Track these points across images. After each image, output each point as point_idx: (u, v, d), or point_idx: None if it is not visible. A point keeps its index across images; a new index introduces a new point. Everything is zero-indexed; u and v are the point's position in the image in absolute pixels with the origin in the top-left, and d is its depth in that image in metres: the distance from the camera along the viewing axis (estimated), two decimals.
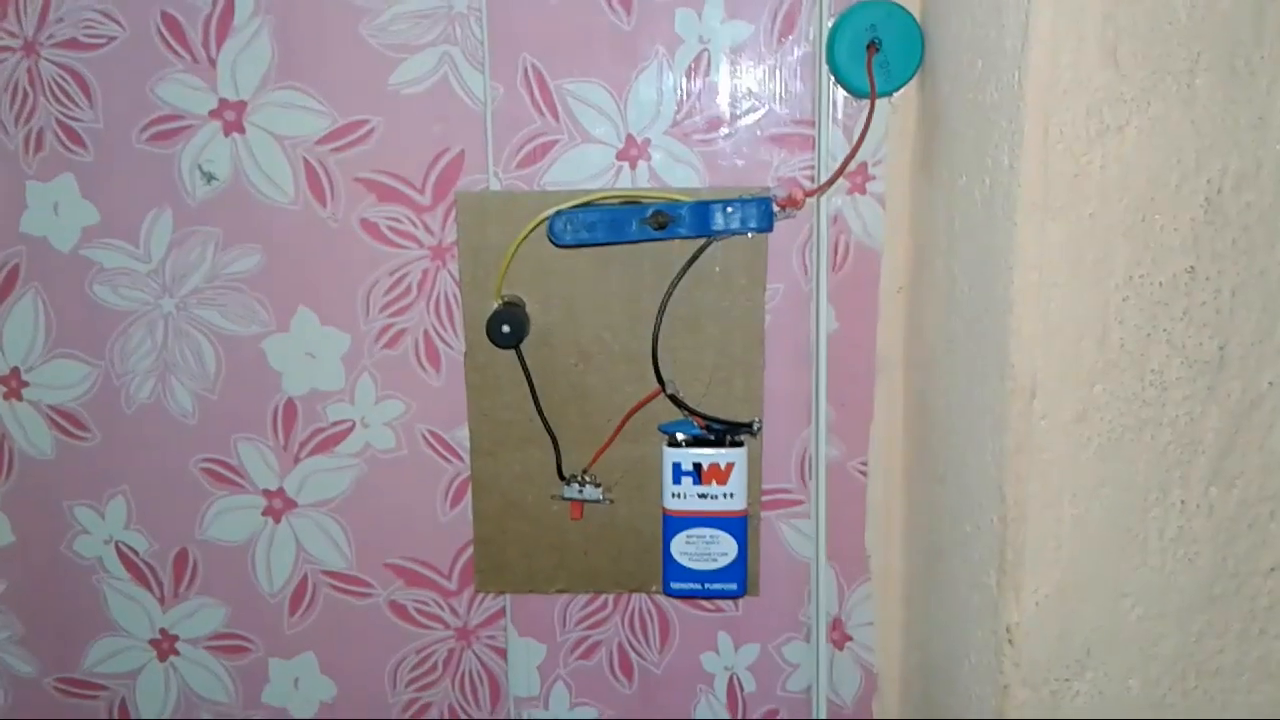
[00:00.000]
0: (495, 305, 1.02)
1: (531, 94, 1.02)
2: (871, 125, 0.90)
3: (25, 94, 1.04)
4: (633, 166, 1.03)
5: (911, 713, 0.81)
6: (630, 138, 1.02)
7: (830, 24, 0.92)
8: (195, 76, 1.03)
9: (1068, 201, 0.58)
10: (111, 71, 1.04)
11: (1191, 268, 0.59)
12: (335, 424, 1.09)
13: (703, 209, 0.97)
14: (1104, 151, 0.58)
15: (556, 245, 0.98)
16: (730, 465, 1.00)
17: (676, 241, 1.00)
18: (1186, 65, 0.57)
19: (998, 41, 0.62)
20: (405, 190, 1.05)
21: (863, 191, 0.99)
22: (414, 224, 1.05)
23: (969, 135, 0.68)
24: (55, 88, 1.04)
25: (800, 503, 1.08)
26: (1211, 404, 0.60)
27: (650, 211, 0.97)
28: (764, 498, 1.08)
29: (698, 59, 1.01)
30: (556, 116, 1.02)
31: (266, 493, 1.11)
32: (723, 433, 1.01)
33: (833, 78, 0.92)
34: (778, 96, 1.01)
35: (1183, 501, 0.61)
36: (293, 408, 1.09)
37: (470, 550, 1.10)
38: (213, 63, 1.03)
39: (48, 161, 1.06)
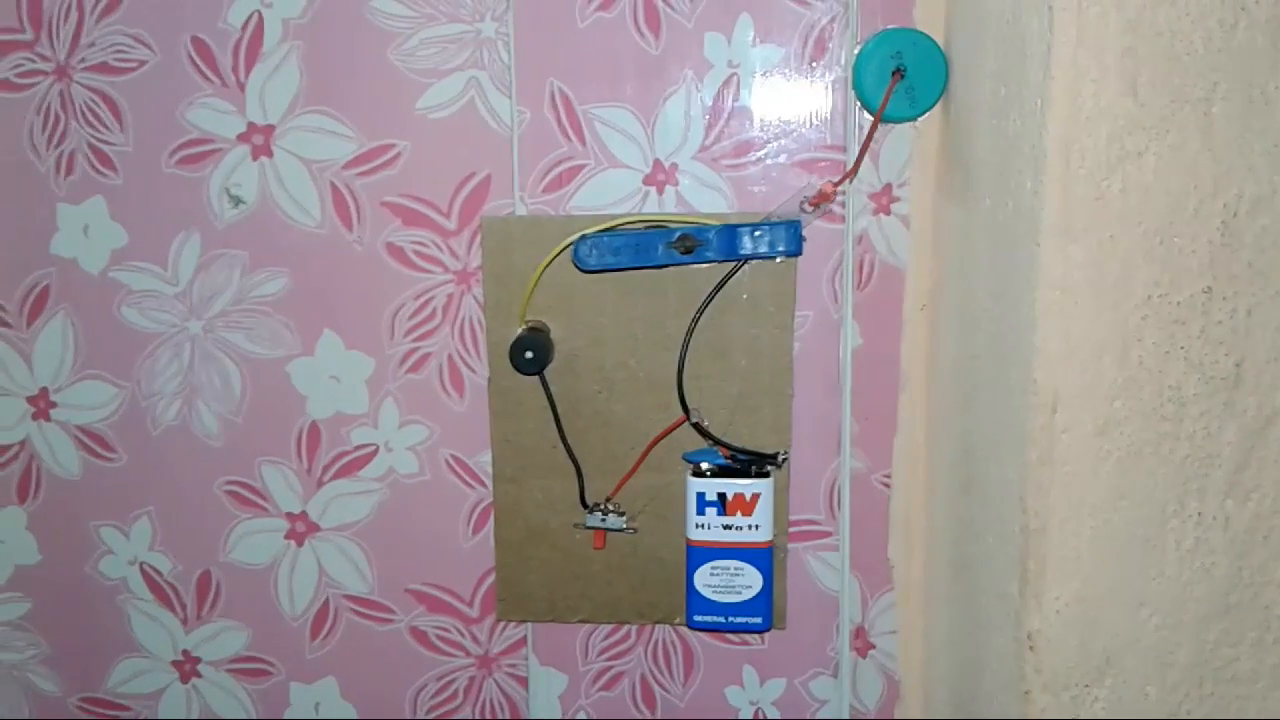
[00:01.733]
0: (519, 331, 1.03)
1: (559, 118, 1.03)
2: (893, 149, 0.93)
3: (57, 117, 1.07)
4: (660, 191, 1.03)
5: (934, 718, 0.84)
6: (657, 162, 1.03)
7: (857, 51, 0.94)
8: (224, 100, 1.05)
9: (1089, 224, 0.60)
10: (142, 95, 1.06)
11: (1208, 288, 0.61)
12: (359, 448, 1.10)
13: (731, 232, 0.97)
14: (1124, 177, 0.60)
15: (581, 270, 0.98)
16: (756, 496, 1.00)
17: (703, 268, 1.00)
18: (1203, 94, 0.59)
19: (1021, 71, 0.64)
20: (431, 214, 1.05)
21: (888, 213, 0.99)
22: (439, 248, 1.06)
23: (992, 160, 0.70)
24: (87, 111, 1.06)
25: (829, 534, 1.07)
26: (1228, 419, 0.63)
27: (677, 235, 0.97)
28: (791, 529, 1.07)
29: (727, 83, 1.01)
30: (583, 141, 1.03)
31: (289, 516, 1.12)
32: (748, 463, 1.00)
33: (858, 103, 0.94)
34: (808, 121, 1.01)
35: (1200, 514, 0.64)
36: (316, 431, 1.10)
37: (492, 577, 1.11)
38: (241, 87, 1.05)
39: (78, 184, 1.08)
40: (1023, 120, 0.64)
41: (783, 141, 1.02)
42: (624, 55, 1.01)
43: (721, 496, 1.01)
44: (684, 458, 1.04)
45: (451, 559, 1.12)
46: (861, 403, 0.95)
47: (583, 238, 0.96)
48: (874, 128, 0.87)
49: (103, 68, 1.06)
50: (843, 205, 1.03)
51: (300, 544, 1.13)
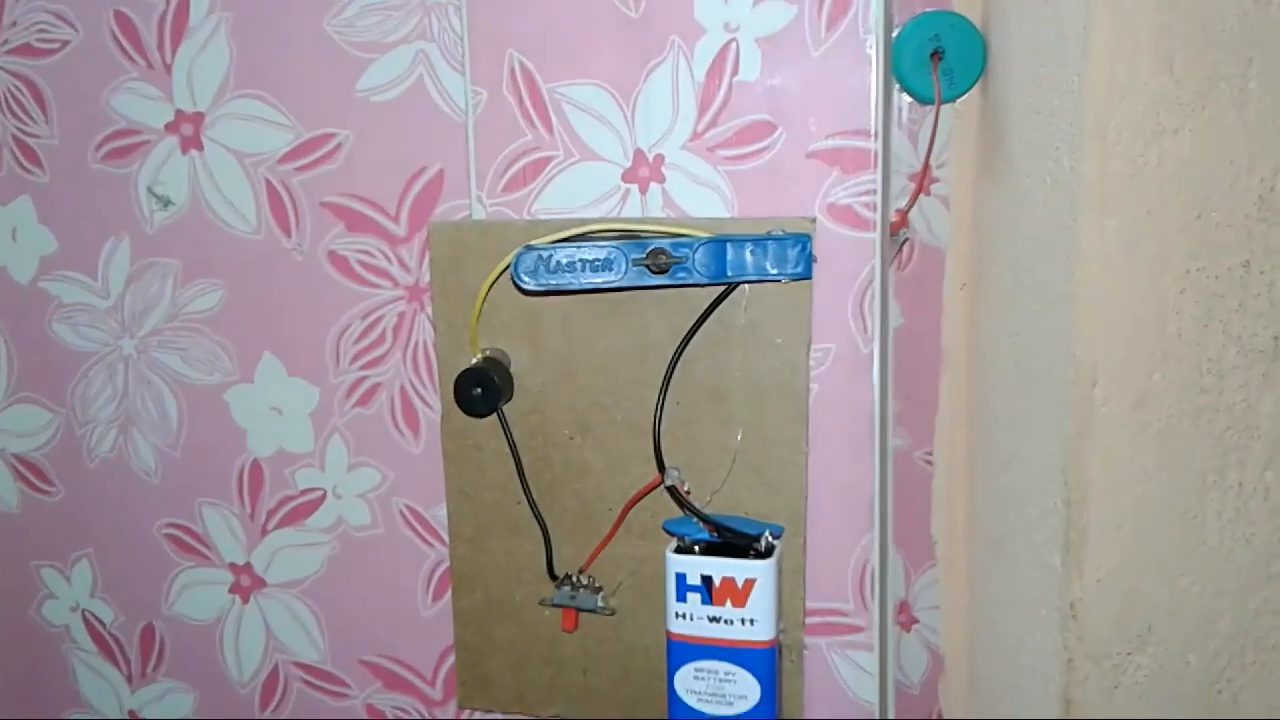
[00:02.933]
0: (473, 360, 0.84)
1: (520, 100, 0.83)
2: (921, 129, 0.81)
3: None
4: (643, 190, 0.83)
5: (977, 692, 0.84)
6: (639, 154, 0.82)
7: (895, 33, 0.80)
8: (150, 85, 0.91)
9: (1126, 200, 0.62)
10: (65, 81, 0.93)
11: (1246, 262, 0.62)
12: (305, 492, 0.94)
13: (717, 248, 0.76)
14: (1160, 152, 0.61)
15: (522, 292, 0.79)
16: (750, 583, 0.79)
17: (698, 287, 0.79)
18: (1239, 70, 0.61)
19: (1058, 51, 0.65)
20: (377, 218, 0.88)
21: (927, 193, 0.85)
22: (388, 258, 0.89)
23: (1031, 138, 0.70)
24: (11, 100, 0.94)
25: (859, 629, 0.85)
26: (1266, 391, 0.64)
27: (647, 250, 0.76)
28: (809, 619, 0.85)
29: (723, 53, 0.80)
30: (550, 128, 0.83)
31: (234, 567, 0.97)
32: (735, 541, 0.79)
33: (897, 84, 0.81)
34: (827, 100, 0.79)
35: (1240, 484, 0.65)
36: (259, 471, 0.95)
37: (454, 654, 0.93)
38: (168, 68, 0.90)
39: (6, 183, 0.96)
40: (1060, 98, 0.65)
41: (795, 126, 0.80)
42: (597, 19, 0.81)
43: (706, 580, 0.80)
44: (665, 527, 0.83)
45: (409, 629, 0.95)
46: (904, 382, 0.86)
47: (526, 249, 0.77)
48: (937, 116, 0.80)
49: (25, 50, 0.93)
50: (873, 208, 0.80)
51: (246, 600, 0.98)
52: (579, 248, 0.77)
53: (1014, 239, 0.72)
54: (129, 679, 1.03)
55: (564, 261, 0.77)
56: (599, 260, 0.77)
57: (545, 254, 0.77)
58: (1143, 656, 0.66)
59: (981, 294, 0.80)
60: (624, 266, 0.77)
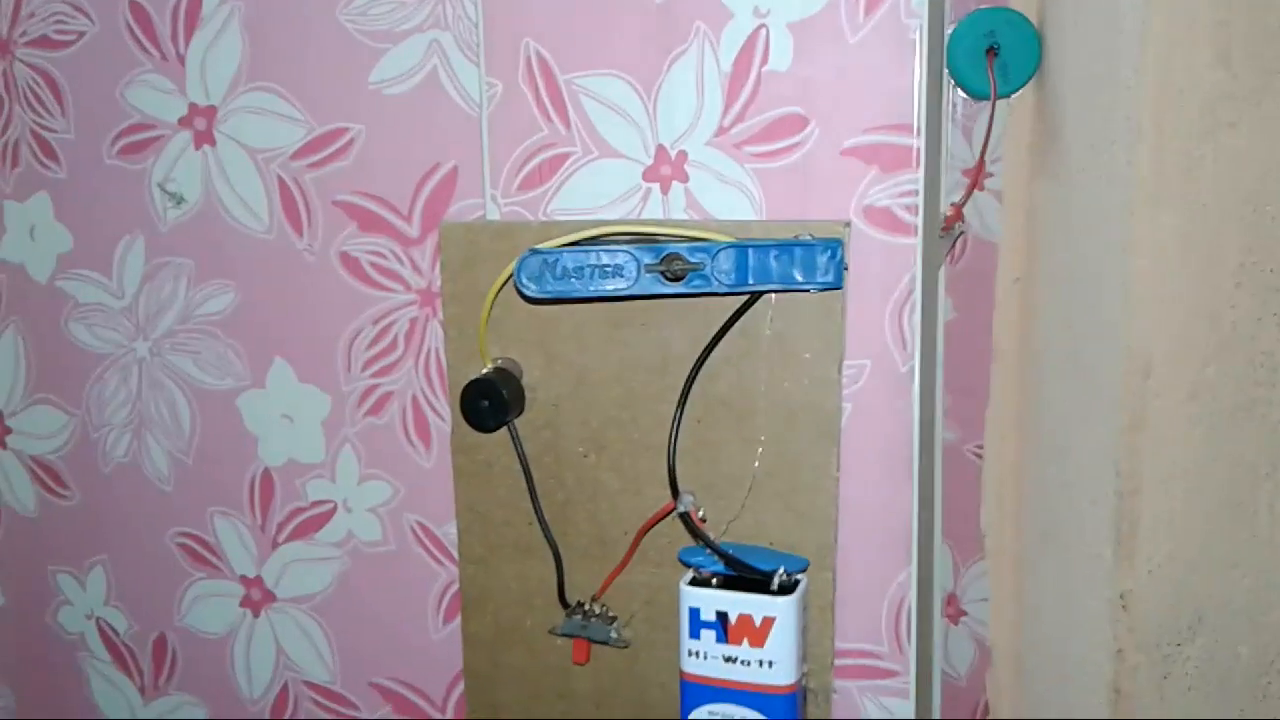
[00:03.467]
0: (484, 370, 0.79)
1: (536, 92, 0.78)
2: (986, 125, 0.79)
3: (1, 100, 0.93)
4: (664, 189, 0.77)
5: (1024, 683, 0.84)
6: (661, 150, 0.76)
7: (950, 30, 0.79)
8: (164, 77, 0.88)
9: (1182, 193, 0.62)
10: (81, 73, 0.91)
11: None
12: (315, 504, 0.90)
13: (739, 254, 0.70)
14: (1216, 146, 0.61)
15: (525, 299, 0.73)
16: (769, 621, 0.72)
17: (722, 295, 0.73)
18: None
19: (1115, 47, 0.65)
20: (389, 217, 0.84)
21: (981, 188, 0.84)
22: (400, 260, 0.84)
23: (1086, 132, 0.69)
24: (29, 93, 0.92)
25: (894, 673, 0.77)
26: None
27: (662, 255, 0.70)
28: (839, 661, 0.78)
29: (752, 40, 0.73)
30: (567, 122, 0.78)
31: (244, 580, 0.94)
32: (747, 575, 0.72)
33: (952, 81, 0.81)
34: (865, 91, 0.72)
35: None
36: (270, 481, 0.91)
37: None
38: (181, 60, 0.87)
39: (24, 178, 0.94)
40: (1117, 93, 0.64)
41: (829, 120, 0.73)
42: (616, 4, 0.76)
43: (722, 617, 0.73)
44: (680, 557, 0.77)
45: (420, 651, 0.90)
46: (954, 375, 0.86)
47: (531, 253, 0.71)
48: (993, 112, 0.78)
49: (44, 42, 0.91)
50: (914, 211, 0.73)
51: (257, 614, 0.94)
52: (587, 252, 0.71)
53: (1068, 233, 0.73)
54: (142, 690, 1.00)
55: (571, 267, 0.71)
56: (609, 266, 0.71)
57: (551, 258, 0.71)
58: (1193, 648, 0.66)
59: (1034, 288, 0.80)
60: (636, 273, 0.71)
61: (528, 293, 0.71)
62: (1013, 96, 0.79)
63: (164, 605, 0.97)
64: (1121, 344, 0.64)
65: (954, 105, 0.81)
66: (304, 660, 0.94)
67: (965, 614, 0.88)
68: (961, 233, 0.85)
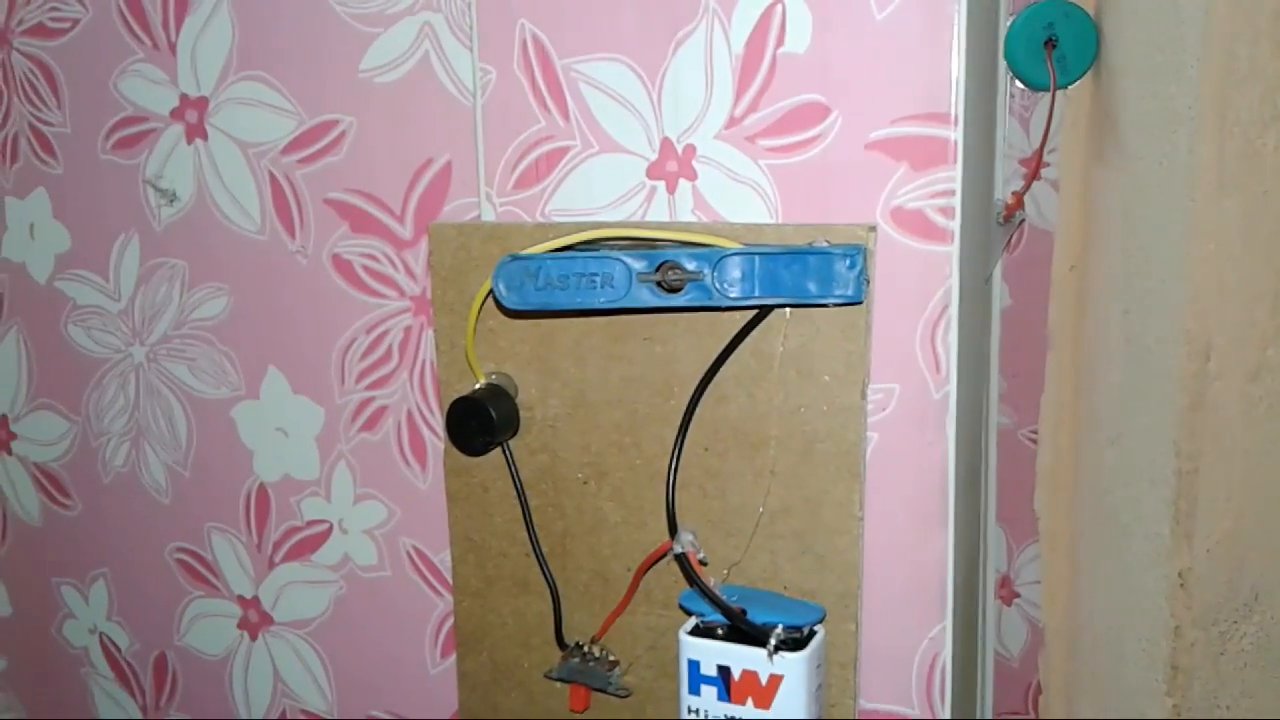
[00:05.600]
0: (475, 386, 0.73)
1: (532, 79, 0.71)
2: (1043, 115, 0.80)
3: (0, 93, 0.89)
4: (670, 188, 0.69)
5: (1077, 664, 0.85)
6: (667, 144, 0.68)
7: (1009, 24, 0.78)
8: (156, 67, 0.83)
9: (1242, 180, 0.62)
10: (75, 63, 0.87)
11: None
12: (310, 524, 0.85)
13: (745, 263, 0.62)
14: (1278, 134, 0.61)
15: (504, 311, 0.66)
16: (775, 680, 0.64)
17: (718, 310, 0.65)
18: None
19: (1177, 36, 0.65)
20: (381, 217, 0.78)
21: (1038, 178, 0.82)
22: (393, 264, 0.78)
23: (1146, 122, 0.70)
24: (27, 86, 0.88)
25: None
26: None
27: (657, 264, 0.63)
28: None
29: (766, 18, 0.65)
30: (565, 113, 0.71)
31: (242, 600, 0.89)
32: (745, 628, 0.64)
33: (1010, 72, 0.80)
34: (894, 76, 0.63)
35: None
36: (265, 497, 0.86)
37: None
38: (173, 48, 0.82)
39: (23, 174, 0.90)
40: (1179, 83, 0.64)
41: (853, 109, 0.64)
42: None
43: (724, 672, 0.65)
44: (680, 602, 0.69)
45: (417, 686, 0.84)
46: (1010, 361, 0.86)
47: (511, 259, 0.64)
48: (1053, 102, 0.79)
49: (40, 30, 0.87)
50: (950, 214, 0.63)
51: (254, 637, 0.90)
52: (573, 259, 0.63)
53: (1126, 220, 0.73)
54: (144, 709, 0.96)
55: (555, 275, 0.64)
56: (597, 275, 0.63)
57: (533, 266, 0.64)
58: (1249, 625, 0.67)
59: (1090, 275, 0.81)
60: (628, 283, 0.63)
61: (506, 303, 0.64)
62: (1070, 87, 0.79)
63: (164, 623, 0.93)
64: (1182, 328, 0.65)
65: (1011, 96, 0.78)
66: (301, 688, 0.89)
67: (1018, 596, 0.89)
68: (1022, 220, 0.84)
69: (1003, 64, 0.79)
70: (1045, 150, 0.80)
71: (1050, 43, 0.77)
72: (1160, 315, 0.68)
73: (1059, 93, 0.79)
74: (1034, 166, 0.81)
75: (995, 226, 0.81)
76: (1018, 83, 0.80)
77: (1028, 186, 0.81)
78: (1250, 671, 0.68)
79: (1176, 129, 0.64)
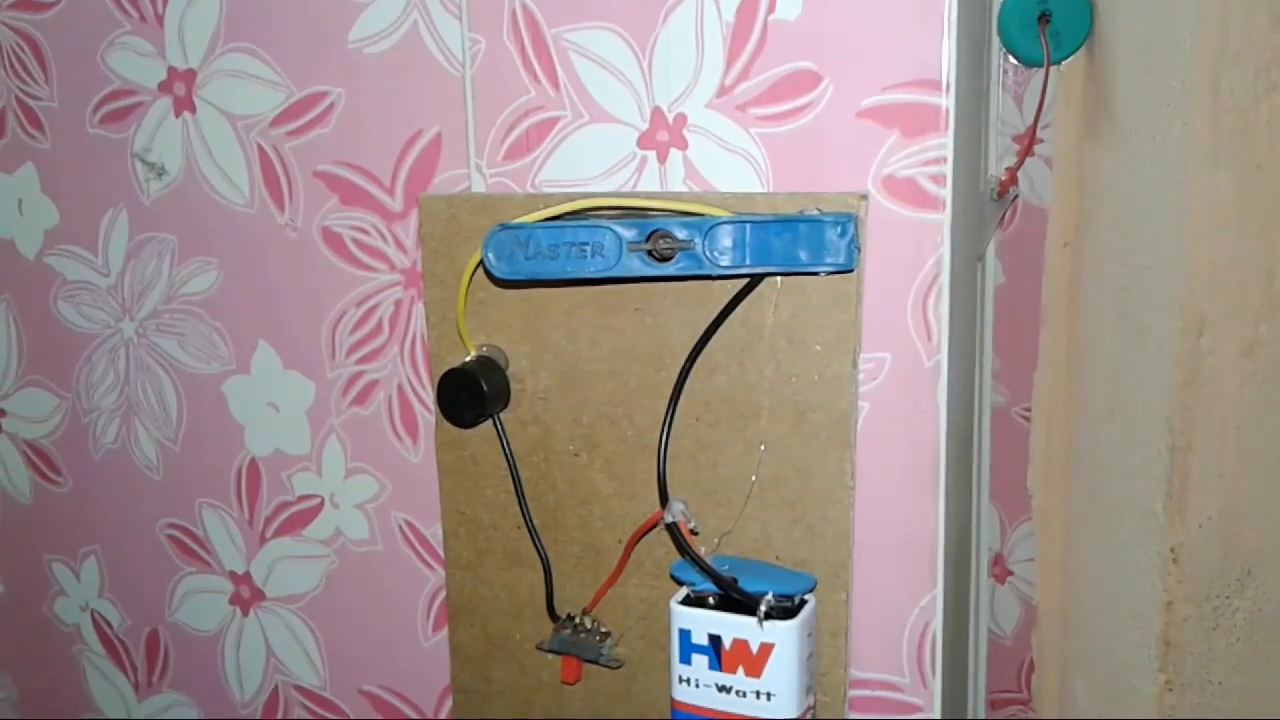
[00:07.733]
0: (466, 359, 0.73)
1: (522, 48, 0.71)
2: (1036, 91, 0.80)
3: None
4: (661, 158, 0.69)
5: (1070, 641, 0.85)
6: (657, 113, 0.68)
7: None
8: (143, 39, 0.83)
9: (1236, 154, 0.62)
10: (62, 36, 0.86)
11: None
12: (301, 499, 0.85)
13: (735, 231, 0.62)
14: (1271, 108, 0.61)
15: (493, 281, 0.66)
16: (766, 648, 0.64)
17: (709, 279, 0.65)
18: None
19: (1170, 11, 0.65)
20: (371, 189, 0.78)
21: (1031, 154, 0.84)
22: (383, 237, 0.78)
23: (1140, 97, 0.70)
24: (14, 59, 0.88)
25: (917, 708, 0.69)
26: None
27: (648, 232, 0.63)
28: (853, 692, 0.70)
29: None
30: (555, 82, 0.70)
31: (234, 576, 0.89)
32: (736, 596, 0.64)
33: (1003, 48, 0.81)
34: (885, 43, 0.63)
35: None
36: (256, 472, 0.86)
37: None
38: (160, 21, 0.82)
39: (10, 149, 0.90)
40: (1172, 58, 0.65)
41: (845, 77, 0.64)
42: None
43: (715, 641, 0.65)
44: (671, 572, 0.69)
45: (410, 659, 0.84)
46: (1003, 339, 0.87)
47: (500, 228, 0.64)
48: (1046, 78, 0.79)
49: (26, 4, 0.87)
50: (941, 181, 0.63)
51: (246, 613, 0.90)
52: (562, 228, 0.63)
53: (1120, 196, 0.73)
54: (136, 686, 0.96)
55: (545, 245, 0.64)
56: (587, 244, 0.63)
57: (523, 235, 0.64)
58: (1241, 600, 0.67)
59: (1084, 251, 0.81)
60: (618, 252, 0.63)
61: (496, 273, 0.64)
62: (1063, 63, 0.79)
63: (155, 599, 0.93)
64: (1175, 303, 0.65)
65: (1004, 71, 0.79)
66: (294, 663, 0.89)
67: (1011, 574, 0.90)
68: (1015, 197, 0.85)
69: (996, 38, 0.79)
70: (1039, 126, 0.80)
71: (1044, 17, 0.76)
72: (1154, 291, 0.68)
73: (1052, 68, 0.79)
74: (1027, 143, 0.82)
75: (989, 203, 0.81)
76: (1011, 59, 0.80)
77: (1021, 163, 0.82)
78: (1242, 647, 0.68)
79: (1170, 104, 0.64)
